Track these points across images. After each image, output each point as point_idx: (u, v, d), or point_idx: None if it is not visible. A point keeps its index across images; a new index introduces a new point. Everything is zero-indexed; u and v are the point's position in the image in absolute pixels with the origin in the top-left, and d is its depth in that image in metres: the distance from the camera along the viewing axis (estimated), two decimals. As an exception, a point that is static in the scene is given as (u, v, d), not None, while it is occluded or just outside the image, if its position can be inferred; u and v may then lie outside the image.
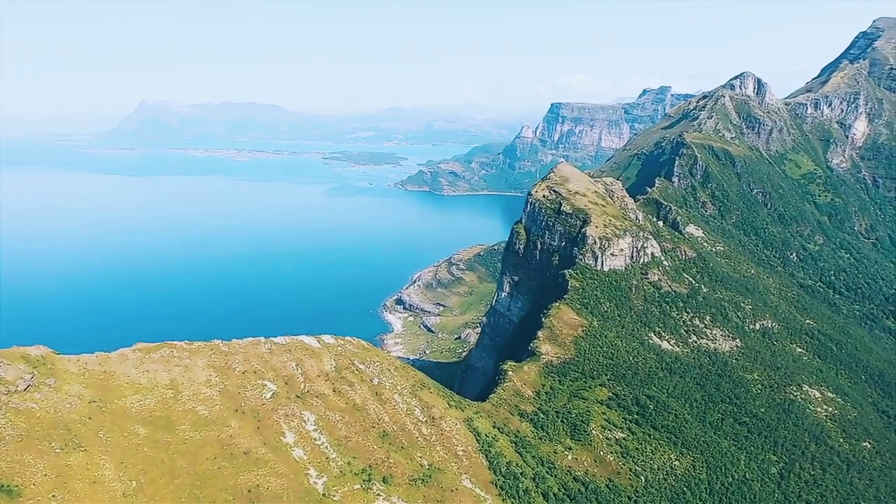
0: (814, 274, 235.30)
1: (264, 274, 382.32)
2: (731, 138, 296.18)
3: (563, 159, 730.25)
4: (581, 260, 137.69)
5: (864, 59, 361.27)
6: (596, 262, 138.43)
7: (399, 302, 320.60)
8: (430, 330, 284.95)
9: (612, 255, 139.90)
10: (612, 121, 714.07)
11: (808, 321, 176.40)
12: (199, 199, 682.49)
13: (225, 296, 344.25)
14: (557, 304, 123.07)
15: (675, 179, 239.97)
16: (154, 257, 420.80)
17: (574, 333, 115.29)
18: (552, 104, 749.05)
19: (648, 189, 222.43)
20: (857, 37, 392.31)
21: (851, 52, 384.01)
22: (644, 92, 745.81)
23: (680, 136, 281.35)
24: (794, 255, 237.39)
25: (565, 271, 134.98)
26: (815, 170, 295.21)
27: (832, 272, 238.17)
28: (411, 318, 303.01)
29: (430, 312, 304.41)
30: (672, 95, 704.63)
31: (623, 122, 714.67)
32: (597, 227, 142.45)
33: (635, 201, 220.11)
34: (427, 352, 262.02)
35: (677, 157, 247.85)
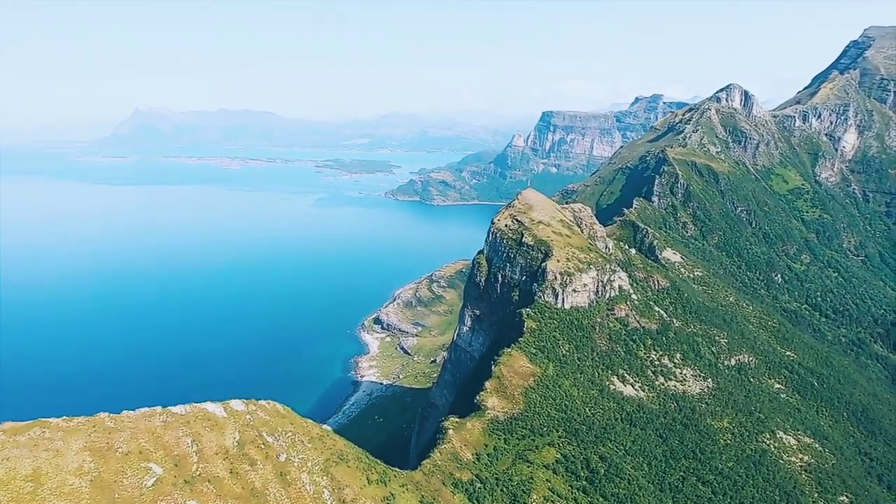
0: (799, 296, 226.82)
1: (241, 292, 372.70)
2: (717, 153, 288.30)
3: (554, 168, 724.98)
4: (540, 297, 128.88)
5: (854, 69, 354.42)
6: (556, 299, 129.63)
7: (377, 321, 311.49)
8: (406, 352, 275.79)
9: (573, 291, 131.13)
10: (603, 129, 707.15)
11: (788, 353, 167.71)
12: (183, 210, 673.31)
13: (197, 312, 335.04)
14: (509, 349, 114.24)
15: (654, 199, 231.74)
16: (121, 275, 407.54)
17: (524, 384, 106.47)
18: (543, 112, 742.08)
19: (626, 210, 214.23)
20: (847, 46, 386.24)
21: (842, 61, 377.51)
22: (636, 100, 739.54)
23: (662, 151, 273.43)
24: (779, 276, 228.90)
25: (522, 310, 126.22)
26: (802, 185, 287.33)
27: (818, 293, 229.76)
28: (388, 339, 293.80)
29: (407, 333, 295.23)
30: (664, 103, 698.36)
31: (615, 131, 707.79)
32: (558, 260, 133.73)
33: (612, 223, 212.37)
34: (401, 376, 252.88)
35: (657, 176, 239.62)
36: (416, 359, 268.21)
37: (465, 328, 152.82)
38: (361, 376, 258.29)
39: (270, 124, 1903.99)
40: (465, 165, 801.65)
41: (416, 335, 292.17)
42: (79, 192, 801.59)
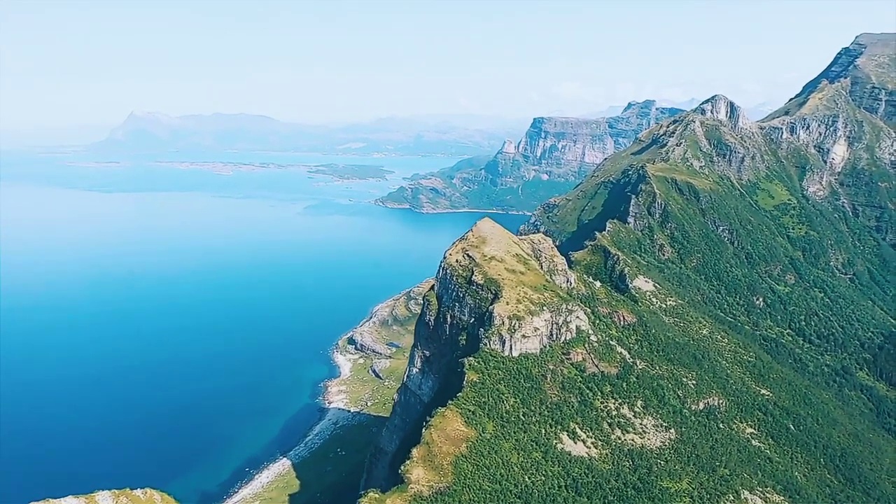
0: (782, 320, 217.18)
1: (215, 308, 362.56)
2: (700, 167, 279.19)
3: (546, 175, 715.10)
4: (486, 345, 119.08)
5: (845, 78, 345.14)
6: (503, 346, 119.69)
7: (351, 341, 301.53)
8: (377, 375, 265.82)
9: (523, 336, 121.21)
10: (595, 135, 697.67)
11: (763, 391, 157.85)
12: (165, 218, 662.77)
13: (162, 329, 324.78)
14: (443, 409, 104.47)
15: (630, 220, 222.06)
16: (80, 288, 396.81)
17: (456, 451, 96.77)
18: (534, 119, 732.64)
19: (598, 234, 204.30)
20: (839, 53, 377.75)
21: (833, 69, 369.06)
22: (629, 105, 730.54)
23: (643, 167, 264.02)
24: (761, 299, 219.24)
25: (465, 360, 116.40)
26: (789, 200, 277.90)
27: (802, 317, 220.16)
28: (361, 361, 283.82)
29: (381, 354, 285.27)
30: (657, 109, 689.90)
31: (607, 137, 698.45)
32: (507, 303, 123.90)
33: (584, 249, 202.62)
34: (369, 403, 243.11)
35: (634, 196, 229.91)
36: (386, 383, 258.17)
37: (414, 370, 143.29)
38: (329, 402, 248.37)
39: (266, 128, 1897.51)
40: (457, 171, 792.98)
41: (390, 357, 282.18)
42: (64, 199, 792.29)
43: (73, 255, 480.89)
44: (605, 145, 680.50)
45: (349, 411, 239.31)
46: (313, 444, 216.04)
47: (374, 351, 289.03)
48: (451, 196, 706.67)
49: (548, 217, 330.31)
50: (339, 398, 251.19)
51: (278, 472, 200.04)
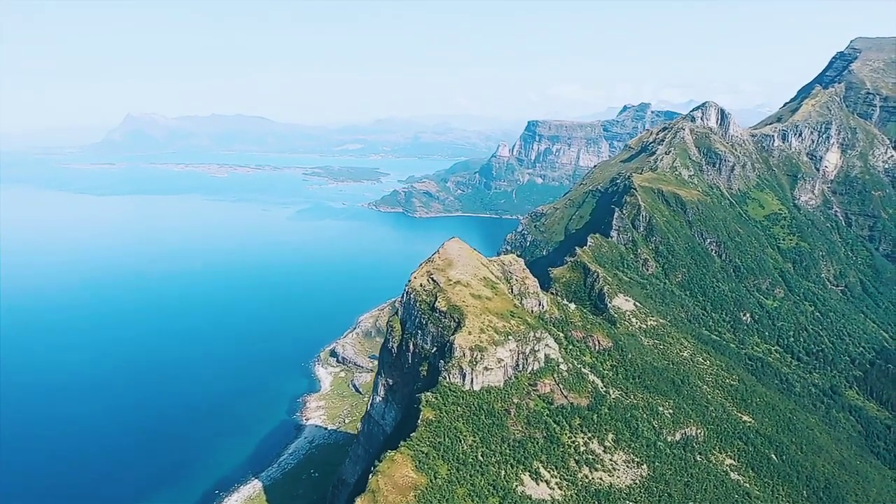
0: (769, 337, 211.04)
1: (197, 315, 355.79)
2: (689, 177, 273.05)
3: (540, 178, 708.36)
4: (445, 378, 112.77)
5: (840, 83, 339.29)
6: (464, 380, 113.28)
7: (333, 353, 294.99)
8: (357, 390, 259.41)
9: (485, 369, 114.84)
10: (590, 139, 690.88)
11: (745, 418, 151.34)
12: (149, 223, 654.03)
13: (143, 332, 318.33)
14: (392, 453, 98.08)
15: (613, 234, 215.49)
16: (49, 297, 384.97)
17: (403, 500, 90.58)
18: (529, 121, 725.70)
19: (578, 250, 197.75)
20: (833, 58, 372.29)
21: (828, 74, 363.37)
22: (624, 108, 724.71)
23: (629, 177, 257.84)
24: (748, 315, 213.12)
25: (422, 395, 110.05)
26: (780, 210, 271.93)
27: (791, 333, 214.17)
28: (343, 374, 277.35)
29: (363, 368, 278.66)
30: (652, 112, 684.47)
31: (602, 140, 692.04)
32: (470, 332, 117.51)
33: (563, 265, 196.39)
34: (346, 420, 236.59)
35: (617, 209, 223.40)
36: (366, 398, 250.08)
37: (378, 398, 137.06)
38: (307, 419, 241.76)
39: (264, 129, 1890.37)
40: (452, 175, 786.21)
41: (371, 370, 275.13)
42: (55, 202, 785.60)
43: (56, 259, 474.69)
44: (601, 148, 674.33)
45: (326, 429, 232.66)
46: (287, 465, 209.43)
47: (355, 364, 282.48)
48: (445, 200, 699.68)
49: (535, 226, 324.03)
50: (317, 414, 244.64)
51: (248, 495, 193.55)
